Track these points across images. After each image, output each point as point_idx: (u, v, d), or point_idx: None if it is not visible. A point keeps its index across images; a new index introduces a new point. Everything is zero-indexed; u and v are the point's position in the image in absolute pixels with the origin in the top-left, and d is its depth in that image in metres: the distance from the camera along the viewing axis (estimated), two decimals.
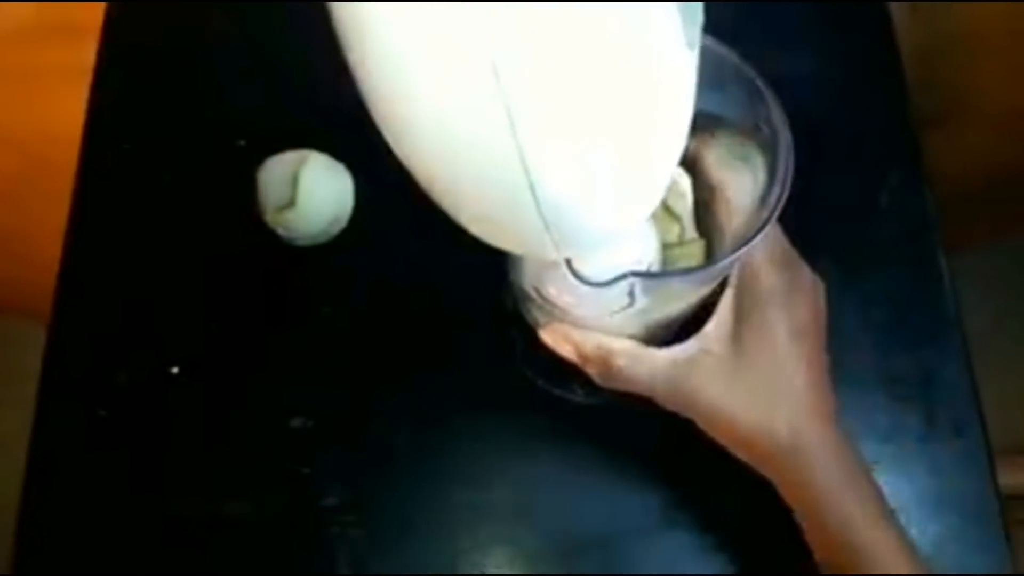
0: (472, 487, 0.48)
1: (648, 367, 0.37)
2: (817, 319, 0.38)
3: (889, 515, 0.38)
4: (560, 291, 0.36)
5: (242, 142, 0.54)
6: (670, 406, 0.38)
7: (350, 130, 0.54)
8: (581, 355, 0.38)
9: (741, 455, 0.39)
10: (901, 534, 0.38)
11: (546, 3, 0.18)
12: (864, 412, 0.48)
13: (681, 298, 0.36)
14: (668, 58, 0.21)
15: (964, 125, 0.84)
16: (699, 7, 0.22)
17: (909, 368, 0.50)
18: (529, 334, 0.44)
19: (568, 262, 0.29)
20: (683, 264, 0.37)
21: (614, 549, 0.47)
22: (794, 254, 0.38)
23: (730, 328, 0.37)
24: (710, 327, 0.37)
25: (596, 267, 0.30)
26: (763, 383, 0.36)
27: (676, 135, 0.23)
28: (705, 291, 0.35)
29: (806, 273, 0.38)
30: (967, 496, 0.47)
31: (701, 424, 0.39)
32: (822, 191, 0.48)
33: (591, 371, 0.39)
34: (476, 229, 0.27)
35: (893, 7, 0.58)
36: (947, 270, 0.52)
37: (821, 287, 0.39)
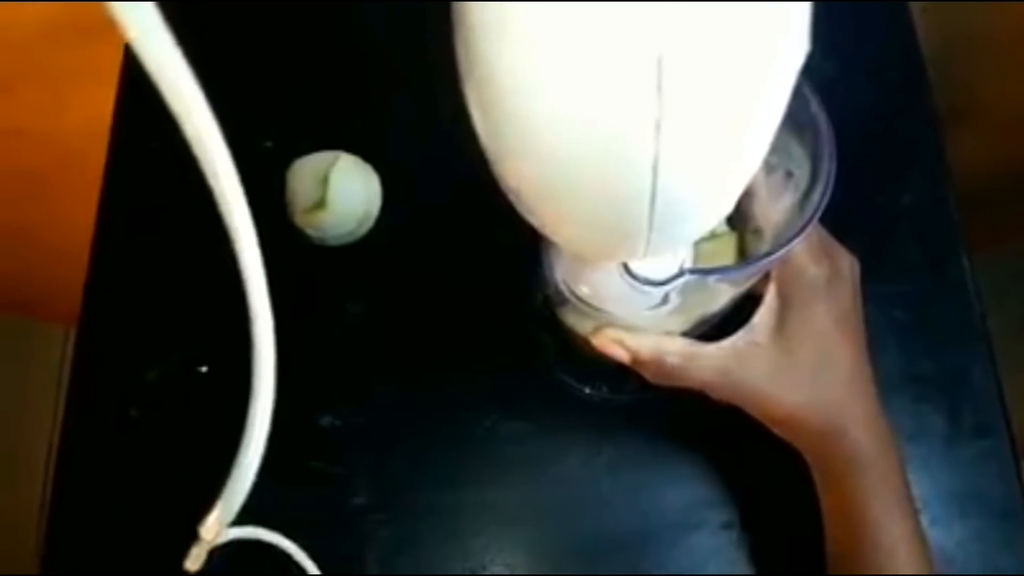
0: (501, 487, 0.48)
1: (700, 363, 0.38)
2: (856, 300, 0.40)
3: (909, 504, 0.39)
4: (593, 290, 0.36)
5: (269, 143, 0.54)
6: (721, 397, 0.39)
7: (375, 131, 0.55)
8: (636, 358, 0.38)
9: (786, 436, 0.41)
10: (918, 527, 0.39)
11: (722, 2, 0.18)
12: (889, 412, 0.48)
13: (717, 295, 0.36)
14: (795, 69, 0.21)
15: (978, 125, 0.84)
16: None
17: (933, 369, 0.50)
18: (558, 333, 0.44)
19: (625, 265, 0.29)
20: (715, 258, 0.37)
21: (642, 549, 0.47)
22: (830, 239, 0.40)
23: (776, 319, 0.38)
24: (757, 319, 0.38)
25: (651, 268, 0.30)
26: (809, 369, 0.38)
27: (771, 136, 0.24)
28: (743, 289, 0.36)
29: (843, 256, 0.40)
30: (992, 496, 0.47)
31: (750, 411, 0.40)
32: (844, 191, 0.48)
33: (644, 372, 0.39)
34: (563, 229, 0.26)
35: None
36: (970, 270, 0.52)
37: (857, 265, 0.40)
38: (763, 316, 0.38)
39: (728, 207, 0.25)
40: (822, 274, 0.38)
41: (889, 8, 0.58)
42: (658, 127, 0.19)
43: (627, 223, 0.23)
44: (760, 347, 0.37)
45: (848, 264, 0.40)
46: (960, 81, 0.77)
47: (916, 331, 0.50)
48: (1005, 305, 0.78)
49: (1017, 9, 0.72)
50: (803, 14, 0.20)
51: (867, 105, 0.55)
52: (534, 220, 0.26)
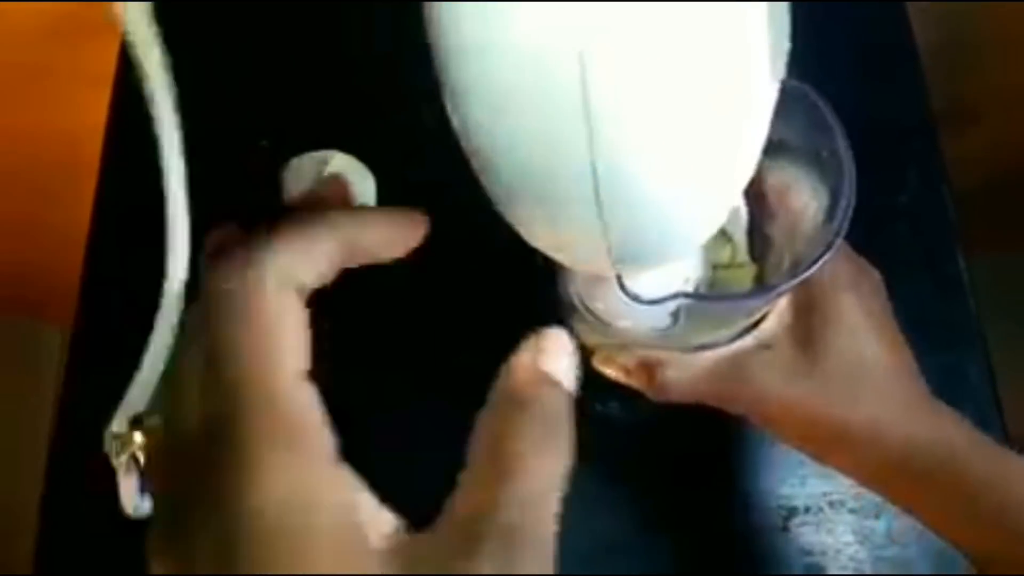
0: None
1: (695, 372, 0.35)
2: (886, 307, 0.36)
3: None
4: (608, 306, 0.35)
5: (265, 142, 0.54)
6: (725, 405, 0.36)
7: (371, 131, 0.54)
8: (626, 373, 0.37)
9: (811, 451, 0.37)
10: None
11: (643, 2, 0.18)
12: None
13: (727, 324, 0.34)
14: (753, 84, 0.21)
15: (975, 125, 0.84)
16: (787, 39, 0.21)
17: (929, 369, 0.49)
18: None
19: (619, 278, 0.29)
20: (731, 287, 0.36)
21: (638, 549, 0.47)
22: (850, 250, 0.36)
23: (792, 321, 0.34)
24: (768, 323, 0.34)
25: (646, 284, 0.29)
26: (842, 374, 0.33)
27: (747, 164, 0.23)
28: (753, 319, 0.34)
29: (867, 266, 0.36)
30: None
31: (762, 422, 0.36)
32: None
33: (640, 387, 0.37)
34: (531, 232, 0.26)
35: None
36: (966, 270, 0.52)
37: (880, 279, 0.36)
38: (773, 319, 0.34)
39: (704, 225, 0.25)
40: (845, 272, 0.34)
41: (887, 8, 0.58)
42: (590, 133, 0.19)
43: (580, 230, 0.23)
44: (772, 350, 0.34)
45: (876, 275, 0.36)
46: (958, 81, 0.77)
47: (912, 330, 0.50)
48: (1001, 305, 0.78)
49: (1015, 9, 0.72)
50: (744, 17, 0.20)
51: (864, 105, 0.54)
52: (511, 220, 0.26)
